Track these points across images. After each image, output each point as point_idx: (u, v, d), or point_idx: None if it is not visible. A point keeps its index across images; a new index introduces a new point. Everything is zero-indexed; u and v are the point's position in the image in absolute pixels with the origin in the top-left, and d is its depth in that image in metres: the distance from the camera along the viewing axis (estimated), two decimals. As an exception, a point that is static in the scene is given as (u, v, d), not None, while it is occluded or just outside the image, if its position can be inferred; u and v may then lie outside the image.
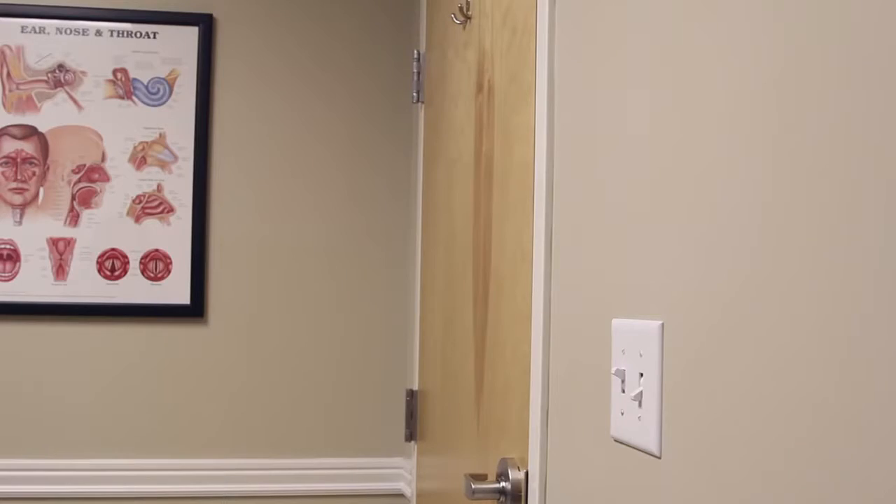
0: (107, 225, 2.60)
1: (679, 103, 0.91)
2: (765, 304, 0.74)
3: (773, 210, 0.72)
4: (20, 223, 2.56)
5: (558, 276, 1.24)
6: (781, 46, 0.72)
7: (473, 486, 1.44)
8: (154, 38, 2.63)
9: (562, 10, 1.27)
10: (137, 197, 2.61)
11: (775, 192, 0.72)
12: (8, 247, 2.56)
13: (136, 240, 2.61)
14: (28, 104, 2.58)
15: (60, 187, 2.58)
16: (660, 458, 0.93)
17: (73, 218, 2.58)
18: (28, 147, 2.57)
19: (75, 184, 2.58)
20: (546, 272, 1.26)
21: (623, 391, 1.00)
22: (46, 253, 2.57)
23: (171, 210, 2.62)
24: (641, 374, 0.97)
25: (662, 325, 0.93)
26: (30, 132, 2.58)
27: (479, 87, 1.95)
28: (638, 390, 0.97)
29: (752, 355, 0.75)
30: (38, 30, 2.59)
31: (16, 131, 2.57)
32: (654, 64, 0.97)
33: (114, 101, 2.62)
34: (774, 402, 0.72)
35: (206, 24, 2.65)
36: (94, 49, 2.61)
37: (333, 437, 2.71)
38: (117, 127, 2.61)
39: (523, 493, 1.36)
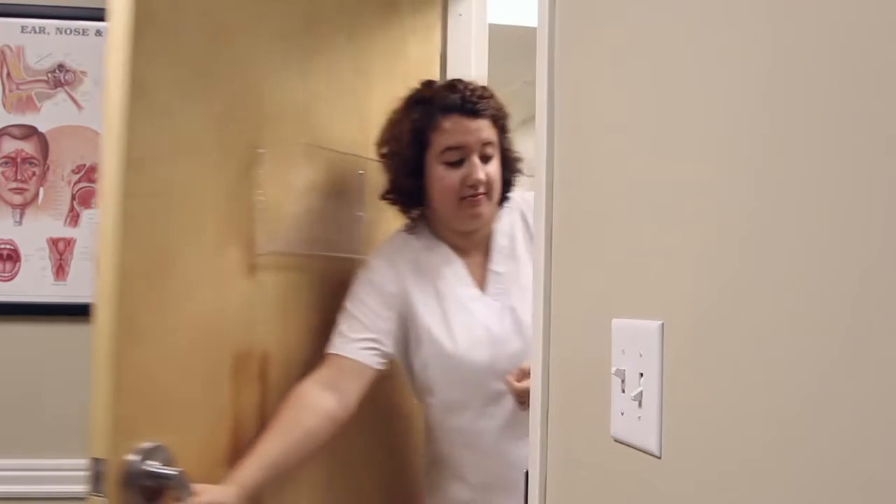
0: (107, 225, 2.59)
1: (681, 104, 0.91)
2: (765, 304, 0.74)
3: (773, 211, 0.73)
4: (20, 223, 2.56)
5: (558, 275, 1.24)
6: (782, 49, 0.72)
7: None
8: (154, 38, 2.63)
9: (562, 10, 1.27)
10: (137, 197, 2.61)
11: (776, 193, 0.72)
12: (8, 247, 2.55)
13: (136, 240, 2.60)
14: (28, 104, 2.58)
15: (60, 187, 2.58)
16: (660, 457, 0.93)
17: (73, 218, 2.58)
18: (28, 147, 2.57)
19: (75, 184, 2.58)
20: (546, 272, 1.26)
21: (623, 391, 1.00)
22: (46, 253, 2.57)
23: (171, 210, 2.61)
24: (641, 374, 0.97)
25: (662, 325, 0.93)
26: (30, 132, 2.58)
27: None
28: (638, 390, 0.97)
29: (752, 355, 0.75)
30: (38, 30, 2.59)
31: (16, 131, 2.57)
32: (655, 66, 0.97)
33: (114, 101, 2.61)
34: (774, 401, 0.72)
35: (206, 25, 2.65)
36: (94, 49, 2.60)
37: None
38: (117, 127, 2.61)
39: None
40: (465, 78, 2.14)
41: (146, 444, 1.64)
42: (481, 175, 1.99)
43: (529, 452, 1.29)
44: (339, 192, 2.18)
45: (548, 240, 1.26)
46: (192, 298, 1.79)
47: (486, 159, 2.02)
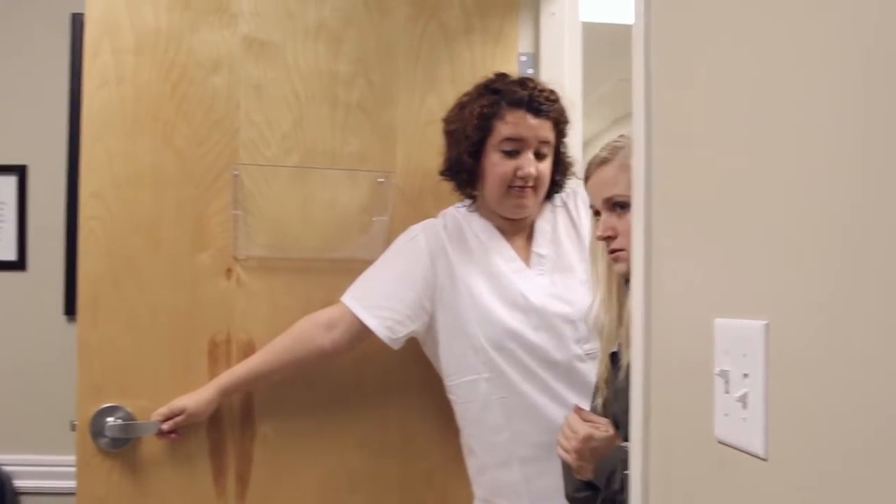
0: None
1: (785, 97, 0.89)
2: (875, 302, 0.72)
3: (884, 205, 0.71)
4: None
5: (658, 274, 1.23)
6: (889, 38, 0.71)
7: None
8: None
9: (658, 5, 1.25)
10: None
11: (887, 186, 0.71)
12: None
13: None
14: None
15: None
16: (766, 459, 0.92)
17: None
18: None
19: None
20: (645, 271, 1.25)
21: (727, 392, 0.99)
22: None
23: None
24: (745, 375, 0.95)
25: (767, 325, 0.92)
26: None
27: None
28: (742, 391, 0.95)
29: (862, 355, 0.74)
30: None
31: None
32: (756, 59, 0.96)
33: None
34: (886, 403, 0.70)
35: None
36: None
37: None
38: None
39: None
40: (536, 79, 2.30)
41: (105, 405, 2.22)
42: (532, 169, 2.15)
43: (630, 453, 1.28)
44: (349, 202, 2.42)
45: (647, 238, 1.25)
46: (163, 295, 2.28)
47: (539, 156, 2.17)
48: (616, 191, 1.72)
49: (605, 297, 1.80)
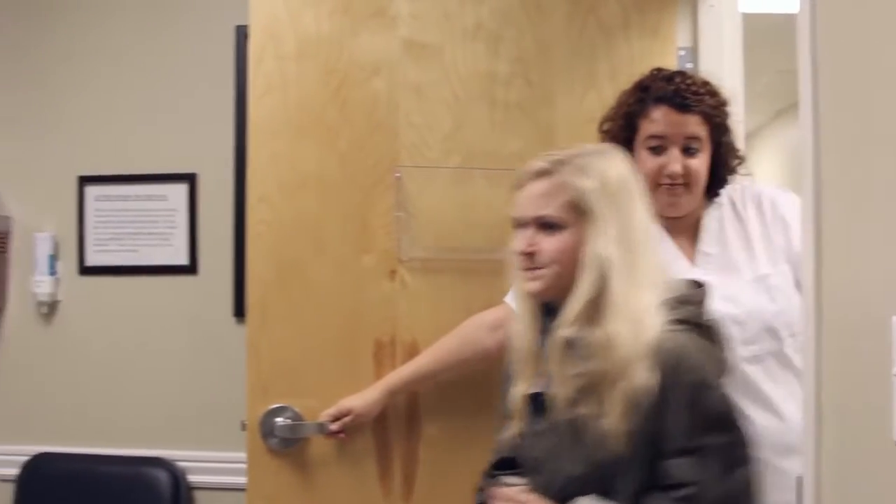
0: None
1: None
2: None
3: None
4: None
5: (829, 272, 1.20)
6: None
7: None
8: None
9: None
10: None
11: None
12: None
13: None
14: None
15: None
16: (950, 462, 0.89)
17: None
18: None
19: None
20: (816, 269, 1.22)
21: (905, 392, 0.96)
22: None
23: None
24: (926, 375, 0.92)
25: (948, 322, 0.89)
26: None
27: None
28: (923, 392, 0.93)
29: None
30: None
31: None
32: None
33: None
34: None
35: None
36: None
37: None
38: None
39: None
40: (690, 72, 2.22)
41: (273, 406, 2.29)
42: (677, 167, 2.07)
43: (804, 456, 1.25)
44: (508, 201, 2.33)
45: (817, 234, 1.22)
46: (328, 297, 2.33)
47: (689, 153, 2.09)
48: (548, 211, 1.63)
49: (518, 320, 1.73)
